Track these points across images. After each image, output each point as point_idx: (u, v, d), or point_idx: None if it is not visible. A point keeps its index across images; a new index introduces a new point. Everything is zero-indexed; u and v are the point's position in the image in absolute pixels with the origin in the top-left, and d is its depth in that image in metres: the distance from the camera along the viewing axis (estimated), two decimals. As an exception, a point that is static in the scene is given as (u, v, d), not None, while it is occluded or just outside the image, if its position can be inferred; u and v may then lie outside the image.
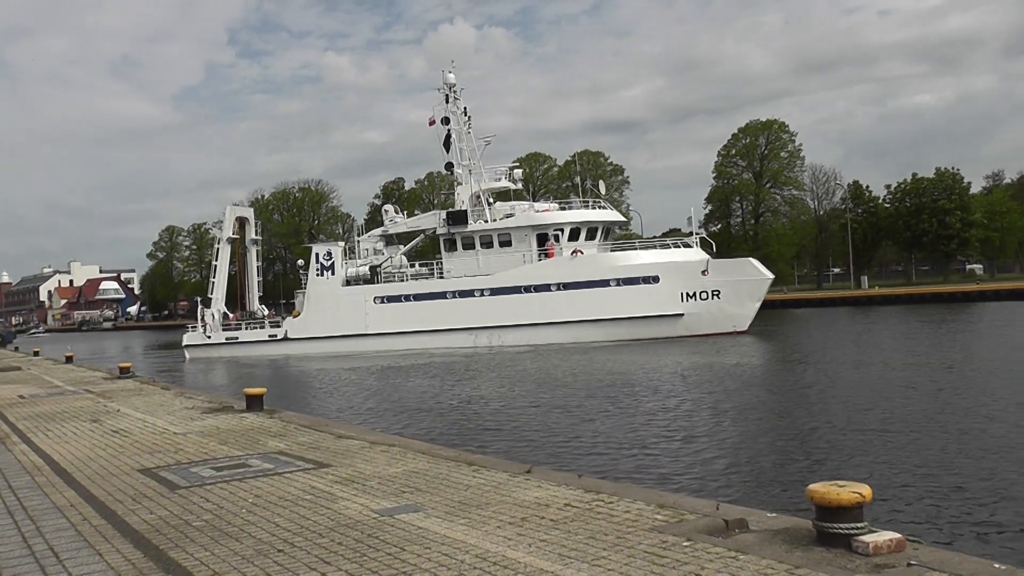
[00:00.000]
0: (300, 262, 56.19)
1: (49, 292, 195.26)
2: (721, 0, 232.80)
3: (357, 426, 14.90)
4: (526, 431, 17.11)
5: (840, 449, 13.74)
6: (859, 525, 5.05)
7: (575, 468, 12.40)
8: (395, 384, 28.62)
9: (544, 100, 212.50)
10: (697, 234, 46.10)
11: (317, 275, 48.18)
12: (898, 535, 5.06)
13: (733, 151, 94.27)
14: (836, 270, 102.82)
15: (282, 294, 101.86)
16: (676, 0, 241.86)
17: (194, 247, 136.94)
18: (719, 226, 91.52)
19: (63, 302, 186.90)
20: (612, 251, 45.70)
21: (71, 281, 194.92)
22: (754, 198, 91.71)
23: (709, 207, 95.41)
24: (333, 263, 48.03)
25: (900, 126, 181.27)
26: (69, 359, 32.56)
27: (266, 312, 55.35)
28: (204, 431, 11.90)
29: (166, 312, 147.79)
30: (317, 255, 48.46)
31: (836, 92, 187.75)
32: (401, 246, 54.74)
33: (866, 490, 5.12)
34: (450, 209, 48.24)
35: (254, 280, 56.95)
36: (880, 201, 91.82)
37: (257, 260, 57.75)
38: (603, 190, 48.57)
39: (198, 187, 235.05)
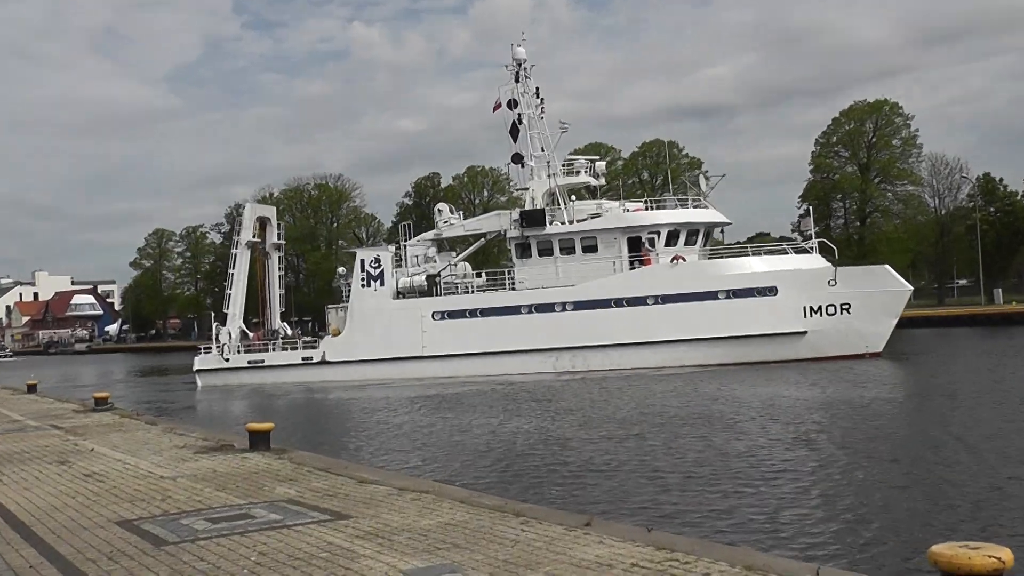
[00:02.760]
0: (341, 270, 56.99)
1: (8, 308, 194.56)
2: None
3: (384, 469, 15.01)
4: (591, 473, 17.21)
5: (977, 504, 13.36)
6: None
7: (644, 519, 12.40)
8: (446, 417, 28.77)
9: (611, 80, 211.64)
10: (804, 237, 46.26)
11: (363, 286, 48.86)
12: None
13: (834, 139, 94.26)
14: (962, 282, 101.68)
15: (294, 310, 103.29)
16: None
17: (188, 255, 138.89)
18: (816, 229, 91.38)
19: (25, 320, 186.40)
20: (715, 257, 46.05)
21: (35, 295, 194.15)
22: (859, 195, 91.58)
23: (804, 206, 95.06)
24: (382, 272, 48.72)
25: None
26: (32, 388, 31.58)
27: (289, 331, 56.06)
28: (198, 474, 11.82)
29: (153, 332, 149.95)
30: (363, 261, 49.17)
31: (968, 66, 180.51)
32: (453, 253, 55.44)
33: (1006, 554, 4.83)
34: (524, 208, 48.95)
35: (276, 292, 57.40)
36: (1018, 198, 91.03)
37: (280, 268, 58.39)
38: (704, 186, 48.80)
39: (195, 184, 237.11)
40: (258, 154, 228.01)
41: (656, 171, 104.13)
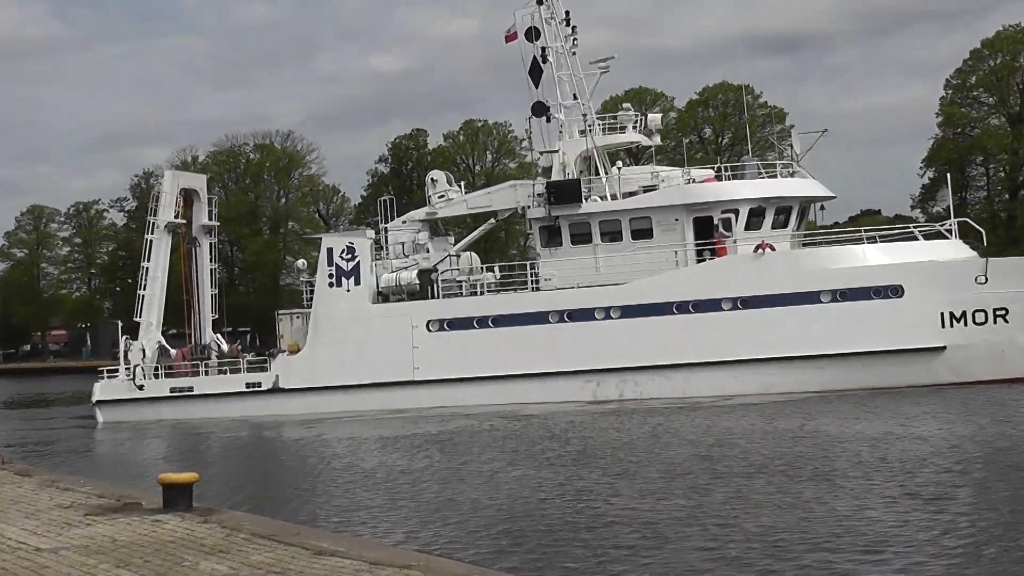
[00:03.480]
0: (300, 263, 57.08)
1: None
2: None
3: (350, 535, 15.36)
4: (625, 538, 17.50)
5: None
6: None
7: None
8: (440, 464, 28.88)
9: (660, 2, 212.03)
10: (932, 217, 46.31)
11: (331, 285, 48.99)
12: None
13: (972, 80, 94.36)
14: None
15: (226, 319, 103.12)
16: None
17: (78, 241, 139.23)
18: (945, 205, 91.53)
19: None
20: (809, 245, 46.21)
21: None
22: (1009, 157, 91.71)
23: (929, 173, 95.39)
24: (358, 265, 48.80)
25: None
26: None
27: (224, 346, 56.13)
28: (90, 546, 11.85)
29: (28, 348, 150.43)
30: (331, 251, 49.23)
31: None
32: (451, 239, 55.43)
33: None
34: (552, 179, 49.05)
35: (207, 293, 57.57)
36: None
37: (212, 260, 58.54)
38: (797, 147, 48.83)
39: (87, 145, 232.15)
40: (177, 104, 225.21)
41: (723, 126, 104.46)
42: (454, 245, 53.42)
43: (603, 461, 27.29)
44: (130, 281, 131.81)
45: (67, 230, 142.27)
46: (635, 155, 53.51)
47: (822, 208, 51.26)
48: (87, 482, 19.01)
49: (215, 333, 57.27)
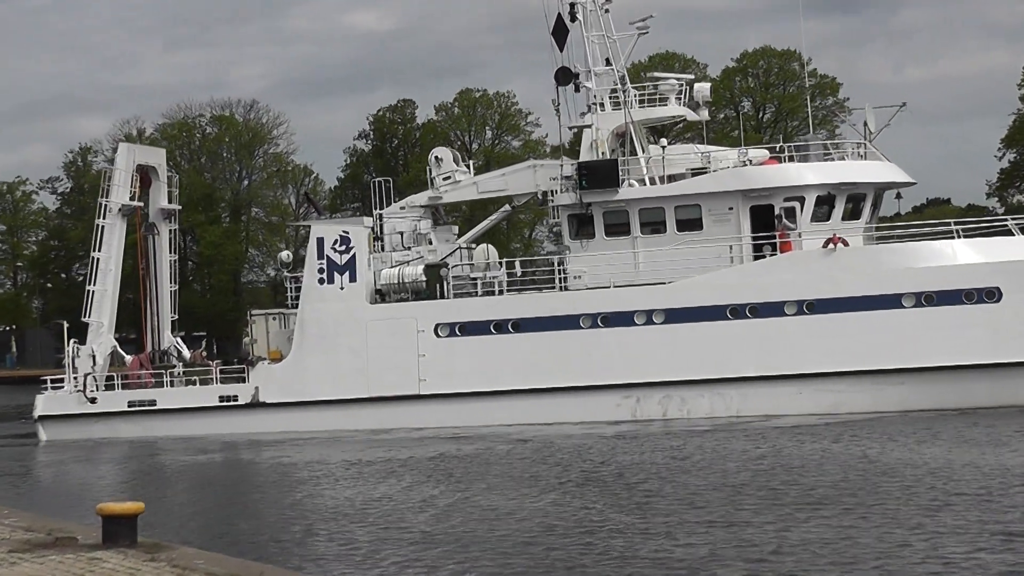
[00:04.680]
0: (284, 255, 56.88)
1: None
2: None
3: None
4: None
5: None
6: None
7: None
8: (443, 494, 28.99)
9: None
10: (1018, 206, 46.12)
11: (321, 281, 48.82)
12: None
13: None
14: None
15: (181, 322, 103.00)
16: None
17: (2, 228, 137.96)
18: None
19: None
20: (885, 241, 46.06)
21: None
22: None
23: (1009, 155, 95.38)
24: (354, 258, 48.58)
25: None
26: None
27: (184, 351, 55.97)
28: None
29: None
30: (321, 242, 49.08)
31: None
32: (455, 228, 55.06)
33: None
34: (583, 160, 48.71)
35: (166, 290, 57.68)
36: None
37: (172, 251, 58.49)
38: (872, 125, 48.52)
39: (12, 113, 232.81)
40: (120, 65, 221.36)
41: (764, 99, 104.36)
42: (458, 236, 53.15)
43: (643, 499, 26.88)
44: (63, 276, 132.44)
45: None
46: (660, 132, 52.98)
47: (899, 196, 51.26)
48: (11, 512, 19.02)
49: (176, 337, 57.08)
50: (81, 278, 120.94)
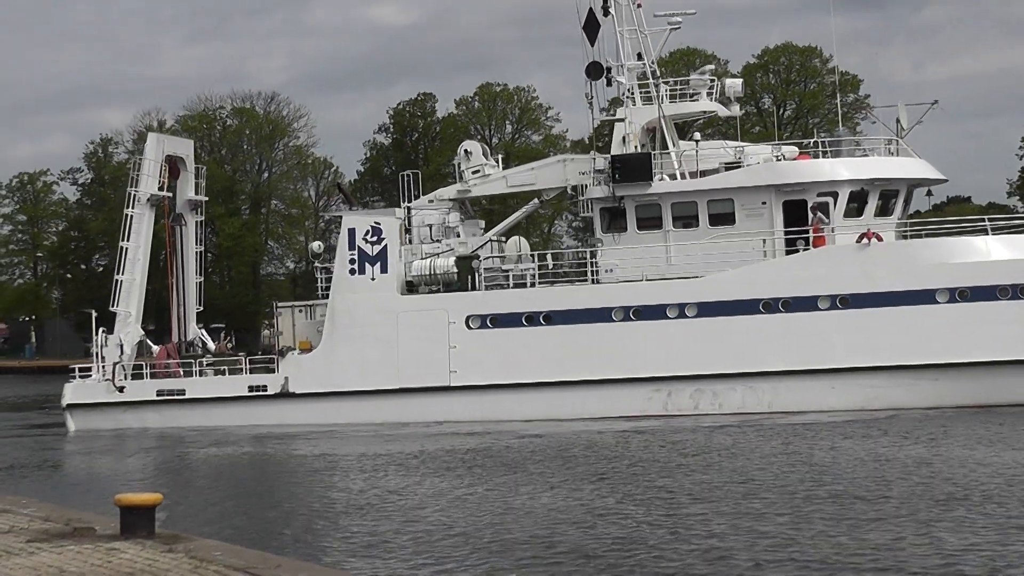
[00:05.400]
0: (316, 245, 56.71)
1: None
2: None
3: (337, 572, 15.38)
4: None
5: None
6: None
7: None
8: (470, 487, 28.94)
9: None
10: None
11: (352, 272, 48.88)
12: None
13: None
14: None
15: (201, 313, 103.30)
16: None
17: (23, 219, 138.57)
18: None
19: None
20: (918, 236, 45.94)
21: None
22: None
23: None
24: (385, 249, 48.68)
25: None
26: None
27: (209, 342, 56.06)
28: None
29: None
30: (352, 233, 49.14)
31: None
32: (480, 221, 55.04)
33: None
34: (615, 154, 48.72)
35: (192, 281, 57.89)
36: None
37: (198, 243, 58.69)
38: (904, 121, 48.49)
39: (34, 104, 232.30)
40: (141, 57, 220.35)
41: (785, 96, 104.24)
42: (484, 229, 53.18)
43: (675, 496, 26.77)
44: (83, 267, 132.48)
45: (8, 205, 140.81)
46: (683, 128, 53.07)
47: (929, 193, 51.17)
48: (30, 503, 18.98)
49: (200, 328, 57.21)
50: (101, 269, 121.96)
